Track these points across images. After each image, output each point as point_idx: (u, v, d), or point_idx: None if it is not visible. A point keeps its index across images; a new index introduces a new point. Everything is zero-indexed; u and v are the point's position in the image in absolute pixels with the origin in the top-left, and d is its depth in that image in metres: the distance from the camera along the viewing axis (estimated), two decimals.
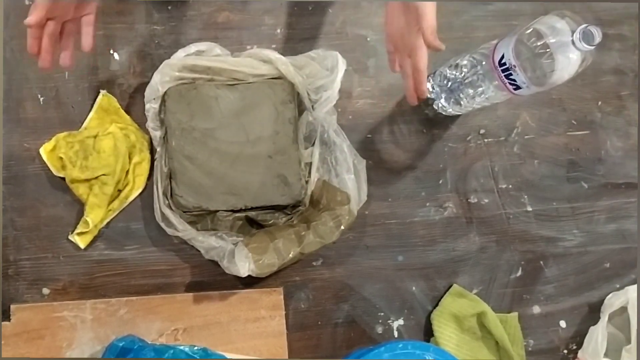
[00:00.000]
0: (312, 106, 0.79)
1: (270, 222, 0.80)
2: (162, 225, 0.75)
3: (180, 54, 0.76)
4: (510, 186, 0.86)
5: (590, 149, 0.89)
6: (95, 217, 0.76)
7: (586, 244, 0.88)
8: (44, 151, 0.77)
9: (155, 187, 0.76)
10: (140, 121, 0.79)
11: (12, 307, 0.75)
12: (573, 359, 0.86)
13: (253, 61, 0.78)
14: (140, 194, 0.79)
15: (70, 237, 0.77)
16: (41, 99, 0.79)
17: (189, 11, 0.82)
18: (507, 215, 0.86)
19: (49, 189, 0.79)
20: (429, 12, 0.62)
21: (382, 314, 0.83)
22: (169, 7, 0.82)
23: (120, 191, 0.79)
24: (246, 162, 0.77)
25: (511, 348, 0.81)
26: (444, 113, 0.85)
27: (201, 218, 0.79)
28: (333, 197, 0.77)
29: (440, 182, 0.85)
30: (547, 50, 0.64)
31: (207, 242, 0.75)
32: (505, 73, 0.69)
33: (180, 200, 0.76)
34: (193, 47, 0.76)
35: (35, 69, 0.79)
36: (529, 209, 0.87)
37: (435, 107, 0.84)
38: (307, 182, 0.79)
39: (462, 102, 0.80)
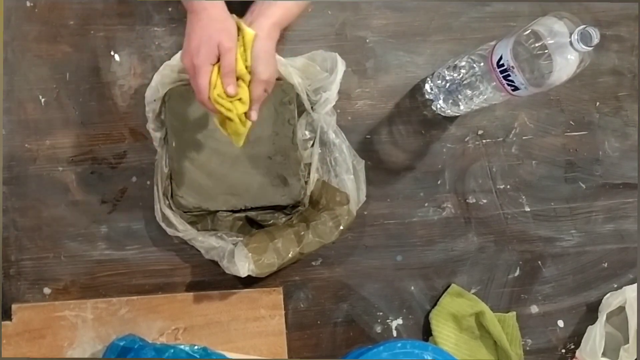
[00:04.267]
0: (312, 107, 0.79)
1: (270, 222, 0.80)
2: (163, 225, 0.76)
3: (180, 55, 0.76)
4: (509, 186, 0.87)
5: (588, 149, 0.89)
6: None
7: (584, 244, 0.88)
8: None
9: (155, 187, 0.77)
10: (141, 122, 0.79)
11: (14, 306, 0.76)
12: (571, 358, 0.86)
13: None
14: None
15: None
16: (42, 100, 0.80)
17: None
18: (505, 215, 0.87)
19: (50, 190, 0.79)
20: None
21: (381, 313, 0.83)
22: (169, 9, 0.82)
23: None
24: (246, 163, 0.78)
25: (509, 347, 0.82)
26: (442, 114, 0.85)
27: (201, 218, 0.79)
28: (332, 198, 0.78)
29: (439, 182, 0.86)
30: (545, 51, 0.64)
31: (207, 242, 0.75)
32: (504, 74, 0.69)
33: (180, 200, 0.77)
34: None
35: (36, 70, 0.80)
36: (527, 209, 0.87)
37: (433, 108, 0.85)
38: (306, 182, 0.80)
39: (460, 103, 0.80)
